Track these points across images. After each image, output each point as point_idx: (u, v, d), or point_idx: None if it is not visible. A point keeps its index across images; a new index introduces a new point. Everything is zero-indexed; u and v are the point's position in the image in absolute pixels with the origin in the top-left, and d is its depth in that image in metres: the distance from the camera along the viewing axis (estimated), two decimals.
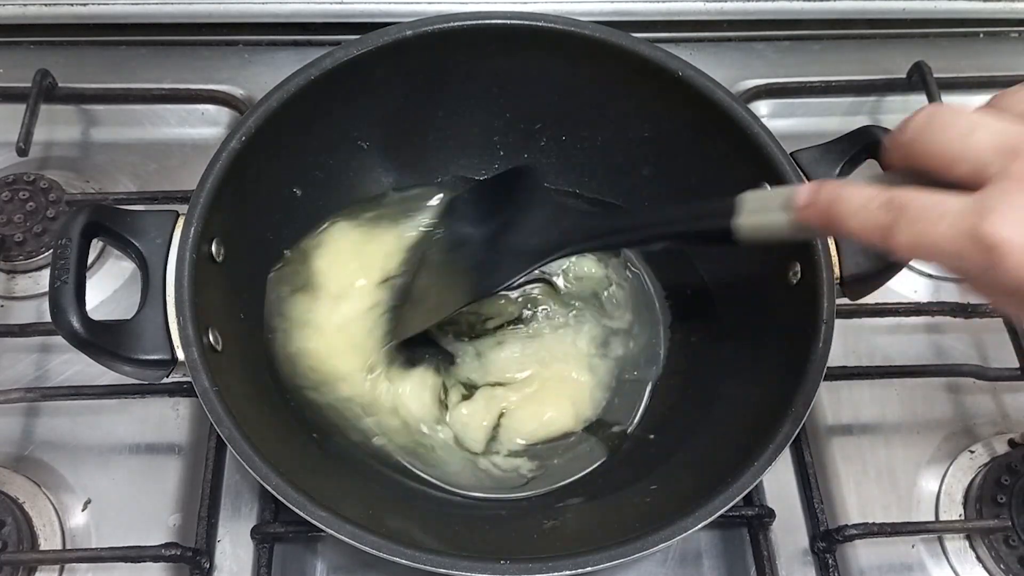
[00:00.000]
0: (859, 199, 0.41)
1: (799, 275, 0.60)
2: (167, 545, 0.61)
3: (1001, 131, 0.38)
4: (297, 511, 0.51)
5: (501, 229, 0.66)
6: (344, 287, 0.69)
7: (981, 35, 0.94)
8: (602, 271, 0.74)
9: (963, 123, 0.39)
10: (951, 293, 0.77)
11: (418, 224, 0.73)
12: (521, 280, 0.64)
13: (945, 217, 0.37)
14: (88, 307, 0.53)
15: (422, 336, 0.69)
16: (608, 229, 0.62)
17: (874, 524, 0.64)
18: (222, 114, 0.84)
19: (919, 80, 0.85)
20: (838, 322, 0.57)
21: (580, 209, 0.66)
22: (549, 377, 0.70)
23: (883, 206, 0.39)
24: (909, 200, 0.39)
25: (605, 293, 0.73)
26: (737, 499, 0.52)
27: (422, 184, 0.75)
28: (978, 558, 0.65)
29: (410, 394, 0.67)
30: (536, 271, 0.67)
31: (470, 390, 0.69)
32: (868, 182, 0.43)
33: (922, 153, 0.41)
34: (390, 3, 0.85)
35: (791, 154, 0.62)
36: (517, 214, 0.66)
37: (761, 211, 0.47)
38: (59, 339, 0.54)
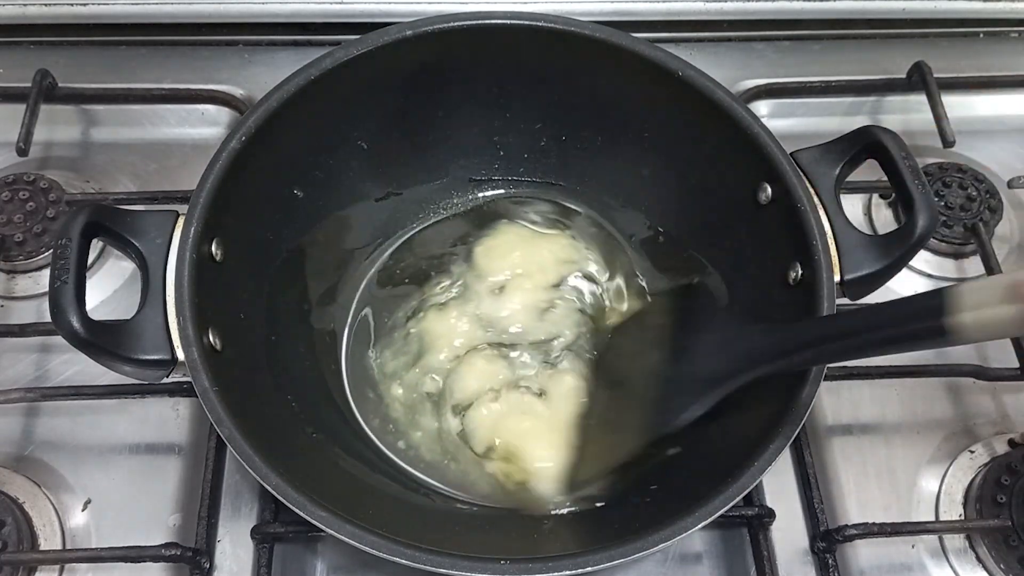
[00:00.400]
0: None
1: (799, 275, 0.60)
2: (167, 545, 0.61)
3: None
4: (297, 511, 0.51)
5: (674, 355, 0.62)
6: (501, 279, 0.72)
7: (981, 35, 0.94)
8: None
9: None
10: None
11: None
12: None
13: None
14: (88, 307, 0.53)
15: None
16: (802, 344, 0.54)
17: (874, 524, 0.64)
18: (222, 114, 0.84)
19: (919, 80, 0.85)
20: None
21: (758, 329, 0.58)
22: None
23: None
24: None
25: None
26: (737, 499, 0.52)
27: (423, 184, 0.76)
28: (978, 558, 0.65)
29: (465, 373, 0.68)
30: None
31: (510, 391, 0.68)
32: None
33: None
34: (390, 3, 0.85)
35: (791, 154, 0.62)
36: (690, 338, 0.61)
37: (981, 306, 0.43)
38: (59, 339, 0.54)
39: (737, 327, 0.59)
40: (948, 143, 0.81)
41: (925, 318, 0.45)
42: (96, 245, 0.72)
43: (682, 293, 0.69)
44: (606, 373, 0.68)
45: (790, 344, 0.54)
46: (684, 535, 0.51)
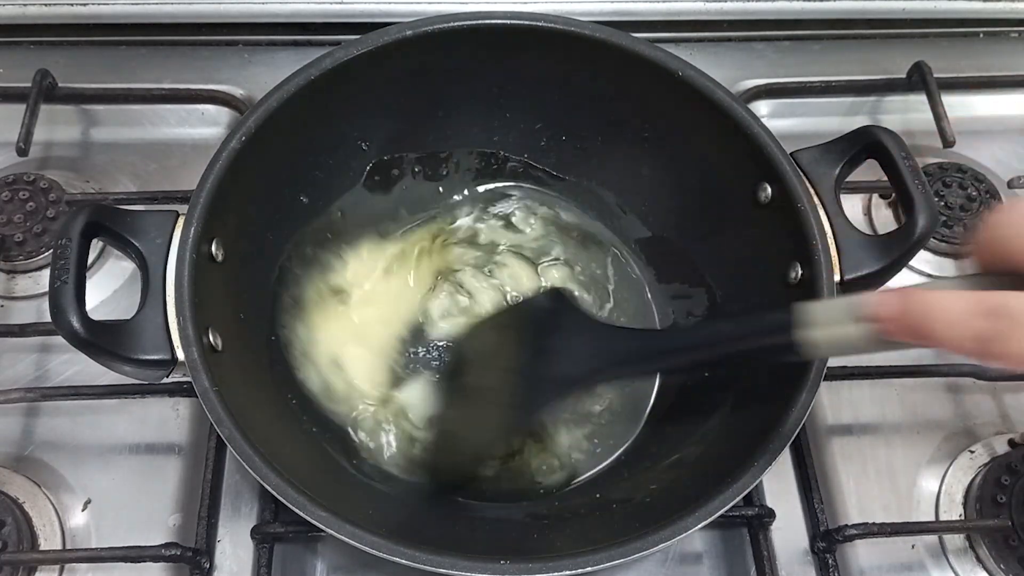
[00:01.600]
0: (957, 310, 0.37)
1: (799, 275, 0.60)
2: (167, 545, 0.61)
3: None
4: (297, 511, 0.51)
5: (534, 357, 0.61)
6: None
7: (981, 35, 0.94)
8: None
9: None
10: None
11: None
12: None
13: None
14: (88, 307, 0.53)
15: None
16: (654, 352, 0.57)
17: (874, 524, 0.64)
18: (222, 114, 0.84)
19: (919, 80, 0.85)
20: None
21: (617, 331, 0.61)
22: None
23: (984, 315, 0.36)
24: (1013, 306, 0.35)
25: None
26: (737, 499, 0.52)
27: (423, 183, 0.76)
28: (978, 558, 0.65)
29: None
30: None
31: None
32: (955, 286, 0.39)
33: (1012, 251, 0.38)
34: (390, 3, 0.85)
35: (791, 154, 0.62)
36: (550, 340, 0.61)
37: (830, 324, 0.44)
38: (59, 339, 0.54)
39: (599, 330, 0.60)
40: (948, 143, 0.81)
41: (777, 332, 0.47)
42: (96, 245, 0.72)
43: (547, 297, 0.68)
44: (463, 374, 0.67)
45: (647, 352, 0.57)
46: (684, 535, 0.51)
